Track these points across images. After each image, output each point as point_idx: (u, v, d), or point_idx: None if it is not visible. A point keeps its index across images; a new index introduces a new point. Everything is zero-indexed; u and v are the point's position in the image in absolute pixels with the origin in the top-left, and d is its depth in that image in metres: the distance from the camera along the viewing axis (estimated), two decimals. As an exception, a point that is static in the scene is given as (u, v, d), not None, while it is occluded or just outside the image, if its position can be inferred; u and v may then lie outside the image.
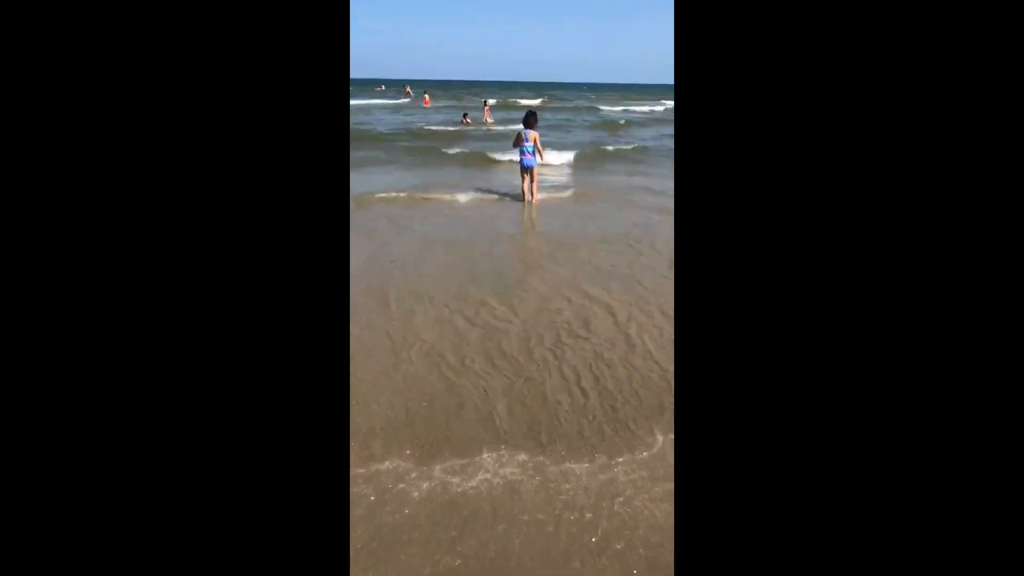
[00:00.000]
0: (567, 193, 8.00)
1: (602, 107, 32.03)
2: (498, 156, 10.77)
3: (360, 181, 8.08)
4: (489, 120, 18.87)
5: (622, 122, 20.30)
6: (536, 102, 35.32)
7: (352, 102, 27.92)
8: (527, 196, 7.20)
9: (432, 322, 3.49)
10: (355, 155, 10.01)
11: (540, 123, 7.44)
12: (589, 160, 11.16)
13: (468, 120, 18.13)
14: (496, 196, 7.70)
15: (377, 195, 7.27)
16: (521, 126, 7.18)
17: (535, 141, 7.00)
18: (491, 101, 24.32)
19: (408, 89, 35.36)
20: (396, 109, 26.20)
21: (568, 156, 11.05)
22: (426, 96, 30.24)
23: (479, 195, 7.74)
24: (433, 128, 16.53)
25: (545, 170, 9.72)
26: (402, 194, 7.44)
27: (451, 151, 11.78)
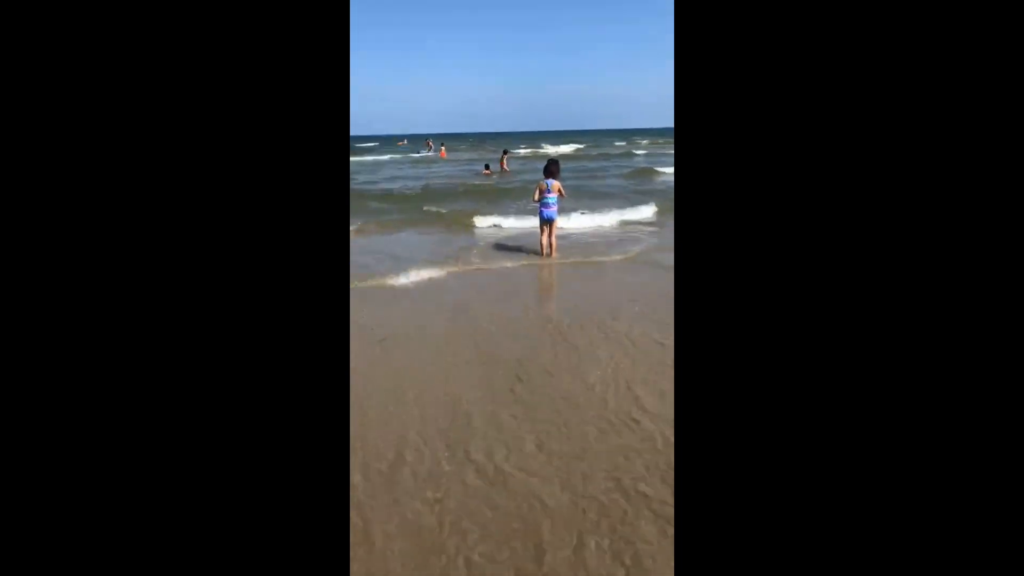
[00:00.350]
0: (619, 255, 6.87)
1: (636, 152, 31.42)
2: (498, 219, 9.12)
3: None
4: (506, 170, 18.70)
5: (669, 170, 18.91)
6: (568, 149, 35.00)
7: (366, 158, 28.28)
8: (545, 250, 6.69)
9: (426, 479, 2.33)
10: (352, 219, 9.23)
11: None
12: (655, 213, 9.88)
13: (489, 171, 17.95)
14: (511, 257, 6.70)
15: (367, 269, 6.30)
16: (542, 176, 6.72)
17: (559, 191, 6.60)
18: (524, 151, 24.00)
19: (430, 143, 36.31)
20: (415, 163, 25.89)
21: (646, 211, 9.78)
22: (442, 148, 30.71)
23: (489, 256, 6.74)
24: (458, 182, 15.81)
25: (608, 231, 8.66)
26: (406, 268, 6.45)
27: (447, 210, 10.55)
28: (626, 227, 8.86)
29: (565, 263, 6.46)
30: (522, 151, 33.32)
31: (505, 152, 20.70)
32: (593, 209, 9.68)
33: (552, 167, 6.76)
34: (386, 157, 29.86)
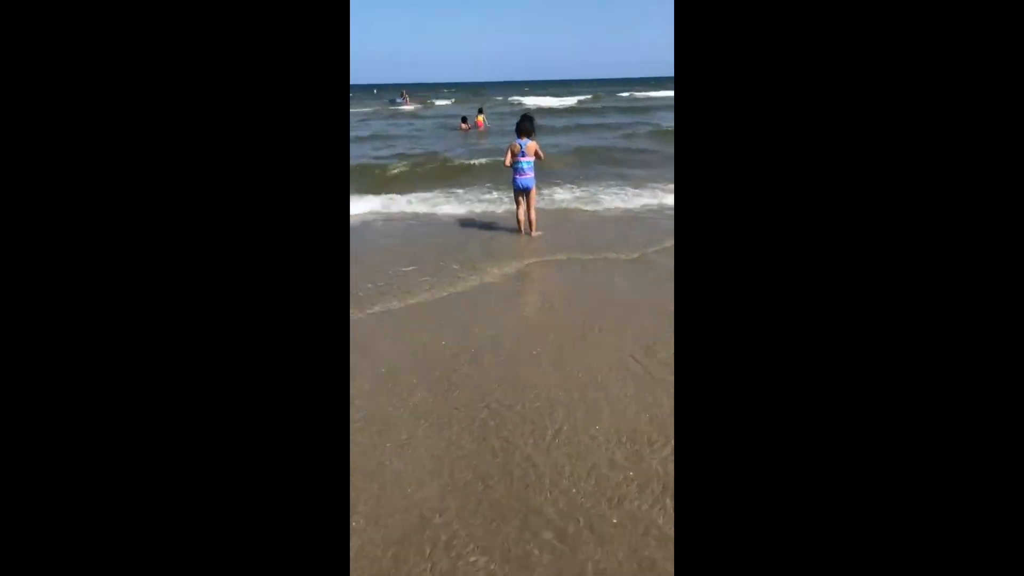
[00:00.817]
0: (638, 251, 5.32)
1: (654, 105, 28.26)
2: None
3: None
4: (481, 127, 17.17)
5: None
6: (571, 102, 32.38)
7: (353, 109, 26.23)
8: (523, 227, 5.78)
9: None
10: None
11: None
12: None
13: (467, 126, 16.94)
14: (480, 243, 5.34)
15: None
16: (516, 137, 5.69)
17: (535, 153, 5.66)
18: (517, 99, 22.24)
19: (404, 92, 34.75)
20: (392, 117, 24.03)
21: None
22: (405, 97, 31.11)
23: (454, 248, 5.34)
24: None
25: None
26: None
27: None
28: (649, 210, 6.81)
29: (556, 261, 4.94)
30: (513, 100, 31.27)
31: (480, 111, 18.48)
32: (604, 182, 8.08)
33: (526, 124, 5.71)
34: (368, 109, 28.09)
